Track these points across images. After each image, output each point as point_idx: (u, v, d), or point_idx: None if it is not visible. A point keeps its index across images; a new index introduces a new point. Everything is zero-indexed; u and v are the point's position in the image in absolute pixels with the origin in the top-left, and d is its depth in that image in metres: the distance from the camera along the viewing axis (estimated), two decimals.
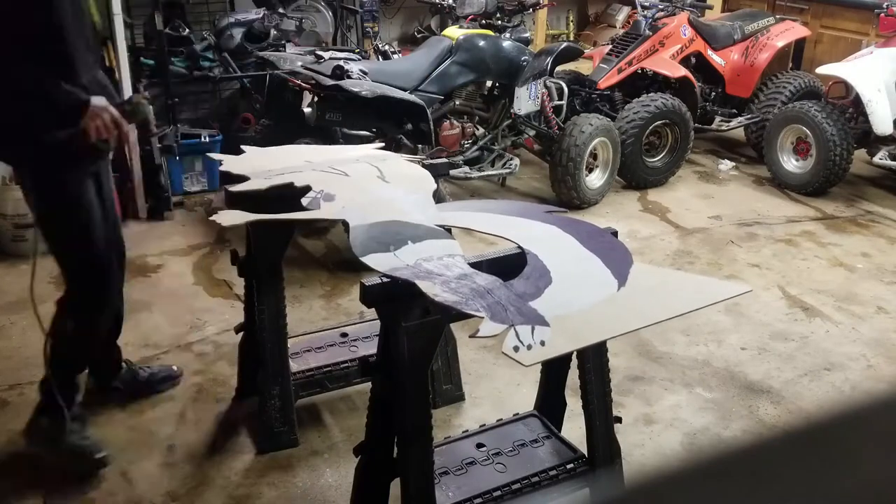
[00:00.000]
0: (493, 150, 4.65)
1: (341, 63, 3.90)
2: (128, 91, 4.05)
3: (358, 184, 2.36)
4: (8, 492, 2.46)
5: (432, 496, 1.97)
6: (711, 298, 1.85)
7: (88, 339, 2.55)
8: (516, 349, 1.54)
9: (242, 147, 2.72)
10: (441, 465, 2.15)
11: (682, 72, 5.22)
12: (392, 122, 4.07)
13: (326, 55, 4.10)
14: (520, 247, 1.96)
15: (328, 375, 2.76)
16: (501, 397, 2.97)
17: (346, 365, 2.77)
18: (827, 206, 4.99)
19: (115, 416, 2.82)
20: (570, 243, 2.00)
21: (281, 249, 2.58)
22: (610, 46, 5.36)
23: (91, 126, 2.17)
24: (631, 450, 2.63)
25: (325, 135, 4.02)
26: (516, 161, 4.73)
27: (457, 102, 4.49)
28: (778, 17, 5.97)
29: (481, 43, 4.43)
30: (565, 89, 4.89)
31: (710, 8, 6.21)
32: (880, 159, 5.08)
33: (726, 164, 5.63)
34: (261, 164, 2.52)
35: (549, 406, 2.46)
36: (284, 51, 4.47)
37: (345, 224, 2.13)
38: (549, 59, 4.64)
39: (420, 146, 4.19)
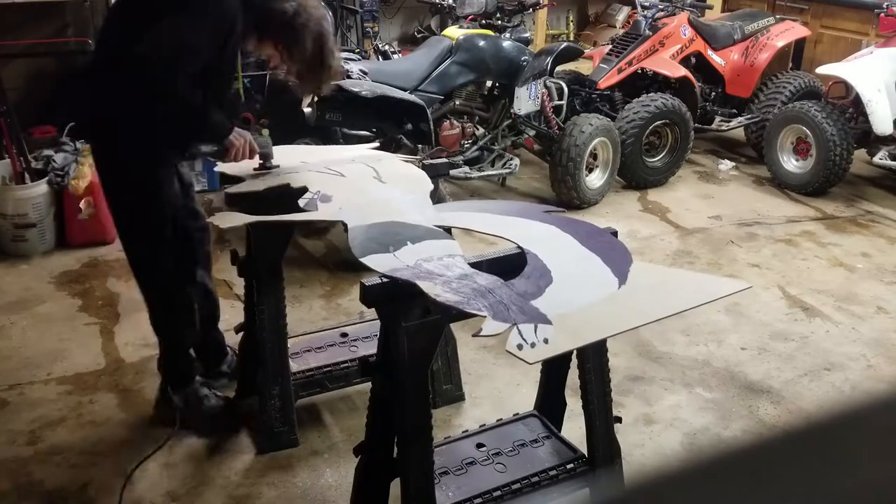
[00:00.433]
0: (493, 150, 4.65)
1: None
2: None
3: (354, 184, 2.36)
4: (9, 491, 2.46)
5: (432, 496, 1.97)
6: (712, 296, 1.85)
7: (176, 315, 2.68)
8: (520, 347, 1.55)
9: None
10: (441, 465, 2.15)
11: (682, 72, 5.22)
12: (392, 122, 4.07)
13: None
14: (519, 247, 1.96)
15: (328, 375, 2.76)
16: (501, 397, 2.97)
17: (346, 365, 2.77)
18: (827, 206, 4.99)
19: (116, 416, 2.82)
20: (570, 243, 2.00)
21: (281, 249, 2.58)
22: (610, 46, 5.36)
23: (234, 145, 2.48)
24: (631, 450, 2.63)
25: (325, 135, 4.01)
26: (516, 161, 4.73)
27: (457, 102, 4.49)
28: (778, 17, 5.98)
29: (481, 43, 4.43)
30: (565, 89, 4.89)
31: (710, 8, 6.21)
32: (880, 159, 5.09)
33: (726, 164, 5.63)
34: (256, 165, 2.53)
35: (549, 406, 2.46)
36: None
37: (344, 224, 2.13)
38: (549, 59, 4.64)
39: (420, 146, 4.19)
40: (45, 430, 2.73)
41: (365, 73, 3.97)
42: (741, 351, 3.34)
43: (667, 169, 5.21)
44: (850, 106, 5.10)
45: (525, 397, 2.85)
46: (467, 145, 4.53)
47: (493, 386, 3.04)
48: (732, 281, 2.25)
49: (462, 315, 1.97)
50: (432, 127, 4.14)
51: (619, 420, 2.25)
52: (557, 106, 4.86)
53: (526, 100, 4.57)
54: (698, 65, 5.56)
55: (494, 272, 1.82)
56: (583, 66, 5.52)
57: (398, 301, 1.80)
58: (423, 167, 2.63)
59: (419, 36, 6.37)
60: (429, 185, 2.38)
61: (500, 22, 4.68)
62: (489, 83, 4.68)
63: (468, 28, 4.51)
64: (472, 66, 4.40)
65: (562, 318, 1.64)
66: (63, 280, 3.77)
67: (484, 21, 4.65)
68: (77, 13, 4.75)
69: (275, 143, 2.73)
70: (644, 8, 5.33)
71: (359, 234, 1.98)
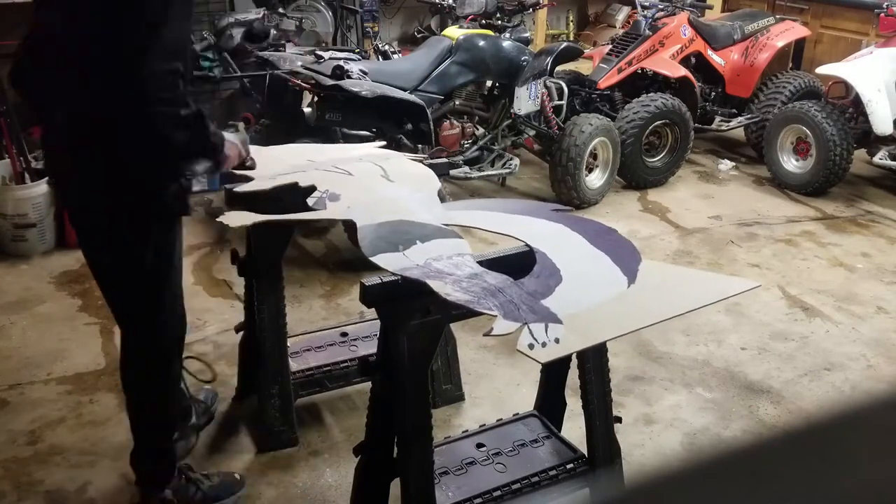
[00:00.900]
0: (493, 150, 4.65)
1: (341, 63, 3.90)
2: None
3: (362, 183, 2.35)
4: (9, 491, 2.46)
5: (432, 496, 1.97)
6: (721, 295, 1.87)
7: (164, 381, 2.26)
8: (531, 347, 1.55)
9: None
10: (441, 465, 2.15)
11: (682, 72, 5.22)
12: (392, 122, 4.07)
13: (326, 55, 4.10)
14: (528, 245, 1.96)
15: (328, 375, 2.76)
16: (501, 397, 2.97)
17: (346, 364, 2.77)
18: (827, 206, 4.99)
19: (116, 416, 2.82)
20: (578, 241, 2.00)
21: (281, 249, 2.58)
22: (610, 46, 5.36)
23: (232, 155, 2.14)
24: (631, 450, 2.63)
25: (325, 135, 4.01)
26: (516, 161, 4.73)
27: (457, 102, 4.48)
28: (778, 17, 5.97)
29: (481, 43, 4.43)
30: (565, 89, 4.89)
31: (710, 8, 6.21)
32: (880, 159, 5.08)
33: (726, 164, 5.63)
34: (263, 164, 2.47)
35: (549, 406, 2.46)
36: (284, 51, 4.47)
37: (345, 223, 2.11)
38: (549, 59, 4.64)
39: (420, 146, 4.19)
40: (45, 430, 2.74)
41: (365, 73, 3.97)
42: (741, 351, 3.34)
43: (667, 169, 5.21)
44: (850, 106, 5.10)
45: (525, 397, 2.85)
46: (467, 145, 4.53)
47: (493, 386, 3.04)
48: (740, 280, 2.25)
49: (462, 315, 1.98)
50: (432, 127, 4.14)
51: (619, 420, 2.25)
52: (557, 106, 4.86)
53: (526, 100, 4.57)
54: (698, 65, 5.55)
55: (501, 271, 1.82)
56: (583, 66, 5.52)
57: (398, 301, 1.80)
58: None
59: (419, 36, 6.38)
60: (436, 184, 2.37)
61: (500, 22, 4.68)
62: (489, 83, 4.68)
63: (468, 28, 4.51)
64: (472, 66, 4.40)
65: (572, 318, 1.64)
66: (63, 280, 3.77)
67: (484, 21, 4.65)
68: None
69: (275, 143, 2.72)
70: (644, 8, 5.33)
71: (368, 233, 1.97)
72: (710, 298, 1.83)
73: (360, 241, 1.94)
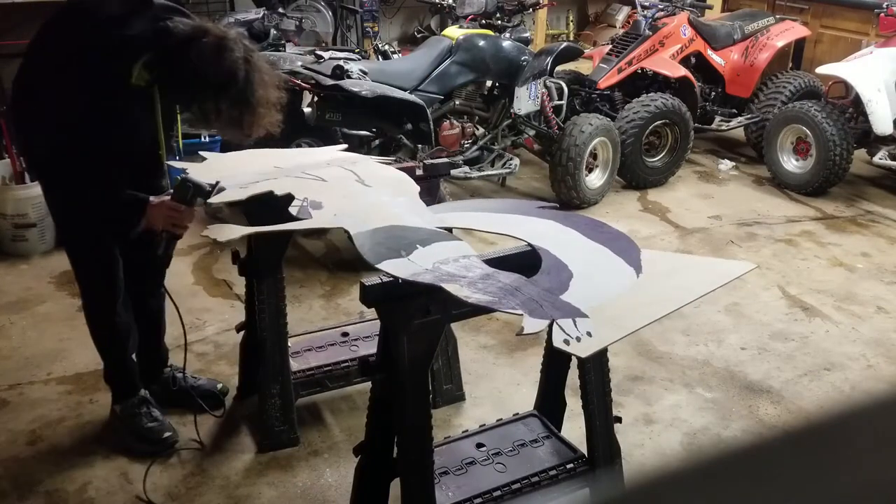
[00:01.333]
0: (493, 149, 4.65)
1: (341, 63, 3.90)
2: None
3: (340, 189, 2.31)
4: (9, 491, 2.46)
5: (432, 496, 1.97)
6: (724, 278, 1.89)
7: (105, 330, 2.63)
8: (566, 343, 1.55)
9: (202, 153, 2.68)
10: (441, 465, 2.15)
11: (682, 72, 5.22)
12: (392, 122, 4.07)
13: (326, 55, 4.10)
14: (530, 244, 1.96)
15: (328, 374, 2.76)
16: (501, 397, 2.97)
17: (347, 364, 2.77)
18: (827, 206, 4.99)
19: None
20: (575, 236, 2.01)
21: (281, 249, 2.58)
22: (610, 46, 5.36)
23: (154, 220, 2.36)
24: (631, 450, 2.63)
25: (324, 135, 4.01)
26: (516, 161, 4.74)
27: (457, 102, 4.48)
28: (778, 17, 5.97)
29: (481, 43, 4.43)
30: (565, 89, 4.89)
31: (710, 8, 6.21)
32: (880, 159, 5.08)
33: (726, 164, 5.63)
34: (228, 171, 2.43)
35: (549, 406, 2.46)
36: (284, 51, 4.47)
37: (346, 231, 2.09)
38: (549, 59, 4.64)
39: (420, 146, 4.19)
40: (45, 430, 2.74)
41: (365, 73, 3.97)
42: (741, 351, 3.34)
43: (667, 169, 5.21)
44: (850, 106, 5.10)
45: (525, 397, 2.85)
46: (467, 145, 4.53)
47: (493, 386, 3.04)
48: (738, 263, 2.28)
49: (463, 315, 1.98)
50: (432, 127, 4.14)
51: (619, 420, 2.25)
52: (557, 106, 4.86)
53: (526, 100, 4.57)
54: (698, 65, 5.56)
55: (507, 270, 1.82)
56: (583, 66, 5.52)
57: (398, 301, 1.80)
58: (424, 167, 2.62)
59: (419, 36, 6.38)
60: (415, 187, 2.35)
61: (500, 22, 4.68)
62: (489, 83, 4.68)
63: (468, 28, 4.51)
64: (472, 66, 4.40)
65: (597, 311, 1.65)
66: (63, 280, 3.76)
67: (484, 21, 4.65)
68: None
69: (275, 144, 2.70)
70: (644, 8, 5.33)
71: (365, 240, 1.95)
72: (718, 282, 1.86)
73: (359, 249, 1.92)
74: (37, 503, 2.43)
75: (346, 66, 3.89)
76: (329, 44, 5.29)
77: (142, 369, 2.78)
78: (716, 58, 5.57)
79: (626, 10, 7.43)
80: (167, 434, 2.65)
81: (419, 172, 2.57)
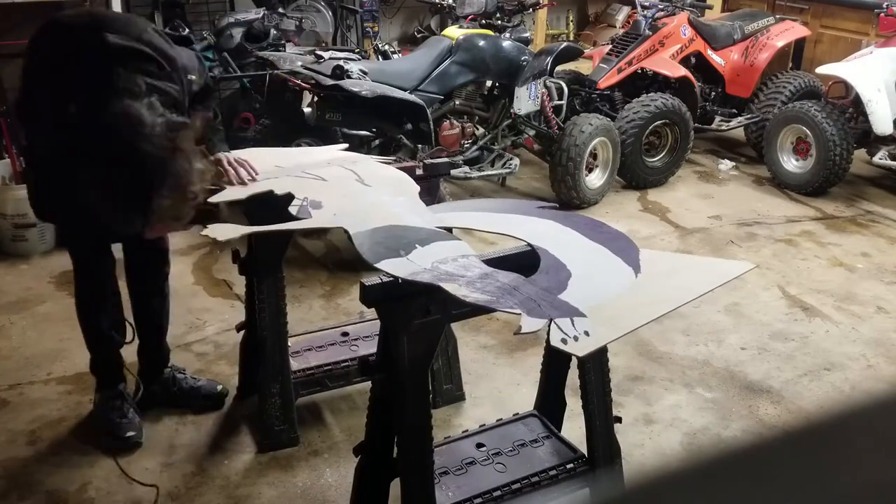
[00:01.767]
0: (493, 149, 4.65)
1: (341, 63, 3.90)
2: None
3: (340, 189, 2.32)
4: (9, 490, 2.46)
5: (432, 496, 1.97)
6: (723, 278, 1.90)
7: (91, 330, 2.67)
8: (564, 342, 1.55)
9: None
10: (441, 465, 2.15)
11: (682, 72, 5.22)
12: (392, 122, 4.07)
13: (326, 55, 4.10)
14: (529, 244, 1.96)
15: (328, 374, 2.76)
16: (501, 397, 2.97)
17: (347, 364, 2.77)
18: (827, 206, 4.99)
19: None
20: (574, 236, 2.01)
21: (281, 248, 2.58)
22: (610, 46, 5.36)
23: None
24: (631, 450, 2.63)
25: (324, 135, 4.01)
26: (516, 161, 4.74)
27: (457, 102, 4.48)
28: (778, 16, 5.97)
29: (481, 43, 4.43)
30: (565, 89, 4.89)
31: (710, 8, 6.21)
32: (880, 159, 5.08)
33: (726, 164, 5.63)
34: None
35: (549, 406, 2.46)
36: (284, 51, 4.47)
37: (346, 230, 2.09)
38: (549, 59, 4.64)
39: (420, 146, 4.19)
40: (45, 430, 2.74)
41: (365, 73, 3.97)
42: (741, 351, 3.34)
43: (667, 169, 5.21)
44: (850, 106, 5.10)
45: (525, 397, 2.85)
46: (467, 145, 4.53)
47: (493, 386, 3.04)
48: (738, 262, 2.28)
49: (463, 315, 1.98)
50: (432, 127, 4.14)
51: (619, 420, 2.25)
52: (557, 106, 4.86)
53: (526, 100, 4.57)
54: (698, 65, 5.55)
55: (506, 270, 1.82)
56: (583, 66, 5.52)
57: (398, 301, 1.80)
58: (424, 167, 2.62)
59: (419, 36, 6.38)
60: (415, 187, 2.35)
61: (500, 22, 4.68)
62: (489, 83, 4.68)
63: (468, 28, 4.51)
64: (472, 66, 4.40)
65: (595, 311, 1.65)
66: (63, 280, 3.76)
67: (484, 21, 4.65)
68: None
69: (275, 143, 2.70)
70: (644, 8, 5.33)
71: (364, 239, 1.95)
72: (717, 281, 1.86)
73: (358, 248, 1.92)
74: (37, 503, 2.43)
75: (346, 66, 3.89)
76: (329, 44, 5.29)
77: (142, 369, 2.79)
78: (716, 58, 5.57)
79: (626, 10, 7.43)
80: (130, 433, 2.66)
81: (419, 172, 2.57)
